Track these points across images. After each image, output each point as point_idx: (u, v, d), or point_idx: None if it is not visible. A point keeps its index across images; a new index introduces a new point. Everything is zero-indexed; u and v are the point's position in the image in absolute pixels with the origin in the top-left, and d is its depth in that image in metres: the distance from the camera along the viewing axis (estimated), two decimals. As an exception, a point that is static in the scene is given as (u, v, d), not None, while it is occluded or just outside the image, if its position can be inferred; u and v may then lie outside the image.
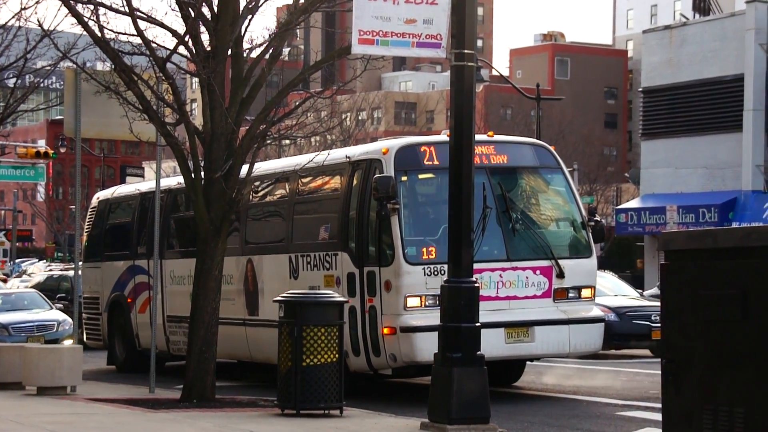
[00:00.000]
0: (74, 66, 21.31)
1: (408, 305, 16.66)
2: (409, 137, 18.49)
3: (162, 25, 18.10)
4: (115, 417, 16.77)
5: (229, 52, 17.84)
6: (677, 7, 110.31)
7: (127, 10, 17.55)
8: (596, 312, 18.31)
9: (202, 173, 18.02)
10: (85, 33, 18.32)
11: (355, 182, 18.24)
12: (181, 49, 18.29)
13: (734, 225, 39.75)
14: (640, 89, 52.24)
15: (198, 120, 18.72)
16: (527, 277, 17.37)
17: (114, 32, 18.24)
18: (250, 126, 18.50)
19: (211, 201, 17.88)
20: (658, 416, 12.40)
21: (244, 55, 18.33)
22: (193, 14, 17.50)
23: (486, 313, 15.44)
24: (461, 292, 14.83)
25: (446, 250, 15.21)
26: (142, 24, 17.85)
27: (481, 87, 36.99)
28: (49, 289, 35.17)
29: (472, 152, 15.76)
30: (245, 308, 20.85)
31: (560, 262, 17.75)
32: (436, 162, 17.46)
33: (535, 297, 17.50)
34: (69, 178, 64.59)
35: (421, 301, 16.68)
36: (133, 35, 18.10)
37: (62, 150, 59.97)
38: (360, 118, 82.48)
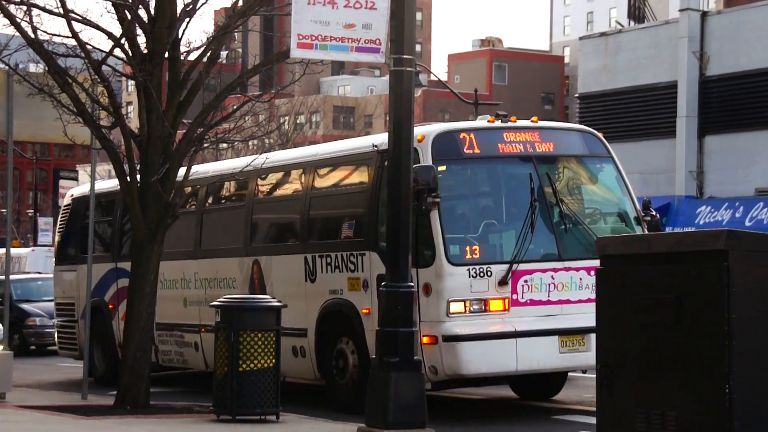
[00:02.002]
0: (5, 67, 21.33)
1: (451, 311, 15.10)
2: (445, 123, 16.95)
3: (97, 27, 18.05)
4: (45, 424, 16.75)
5: (166, 55, 17.84)
6: (613, 15, 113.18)
7: (61, 11, 17.54)
8: None
9: (138, 177, 17.97)
10: (17, 34, 18.24)
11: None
12: (117, 52, 18.29)
13: (668, 230, 40.59)
14: (577, 95, 53.31)
15: (134, 123, 18.56)
16: (581, 279, 15.84)
17: (48, 34, 18.27)
18: (187, 129, 18.50)
19: (147, 205, 17.85)
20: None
21: (182, 58, 18.38)
22: (129, 16, 17.47)
23: (537, 319, 15.12)
24: (399, 297, 14.87)
25: (490, 248, 15.10)
26: (77, 26, 17.85)
27: (420, 92, 37.44)
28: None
29: (411, 157, 15.69)
30: None
31: None
32: (476, 150, 16.02)
33: (589, 300, 15.01)
34: (0, 181, 63.43)
35: (466, 307, 15.12)
36: (67, 37, 18.09)
37: None
38: (298, 122, 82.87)
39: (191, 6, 17.88)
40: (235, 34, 20.89)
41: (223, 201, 22.02)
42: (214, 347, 16.72)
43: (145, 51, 17.61)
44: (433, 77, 72.80)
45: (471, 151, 15.79)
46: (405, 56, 15.26)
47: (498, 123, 16.24)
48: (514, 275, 14.92)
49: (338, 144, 19.14)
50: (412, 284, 15.27)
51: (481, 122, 16.90)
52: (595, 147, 17.06)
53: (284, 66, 19.61)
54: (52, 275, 31.68)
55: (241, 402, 15.97)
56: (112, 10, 17.80)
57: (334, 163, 18.34)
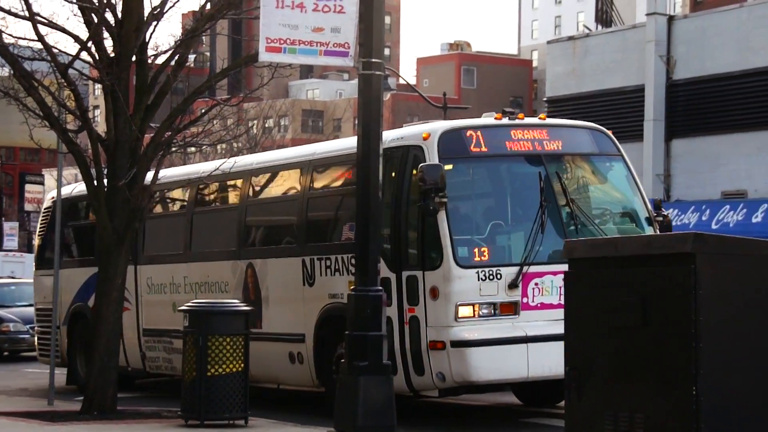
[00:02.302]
0: None
1: (459, 315, 14.54)
2: (452, 121, 16.47)
3: (64, 30, 18.01)
4: (10, 430, 16.78)
5: (134, 59, 17.76)
6: (580, 19, 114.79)
7: (27, 14, 17.47)
8: None
9: (105, 181, 17.91)
10: None
11: (390, 172, 15.91)
12: (84, 55, 18.12)
13: (635, 233, 40.72)
14: (545, 99, 53.61)
15: (101, 127, 18.54)
16: None
17: (13, 37, 18.35)
18: (155, 133, 18.42)
19: (114, 209, 17.74)
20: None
21: (149, 61, 18.26)
22: (96, 20, 17.42)
23: (549, 323, 14.54)
24: (368, 300, 14.86)
25: (499, 249, 14.74)
26: (43, 29, 17.79)
27: (389, 95, 37.64)
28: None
29: (380, 160, 15.57)
30: None
31: None
32: (483, 149, 15.42)
33: None
34: None
35: (474, 311, 14.56)
36: (33, 40, 18.04)
37: None
38: (267, 125, 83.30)
39: (159, 9, 17.83)
40: (203, 37, 20.94)
41: (214, 202, 21.39)
42: (183, 352, 16.69)
43: (113, 54, 17.61)
44: (402, 81, 73.13)
45: (478, 150, 15.31)
46: (374, 60, 15.33)
47: (505, 120, 15.88)
48: (524, 278, 14.60)
49: (338, 142, 18.69)
50: (380, 288, 15.09)
51: (488, 119, 16.32)
52: (604, 145, 16.58)
53: (253, 69, 20.07)
54: (27, 280, 32.20)
55: (209, 407, 15.89)
56: (79, 13, 17.73)
57: (334, 162, 17.79)
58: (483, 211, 15.33)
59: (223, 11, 19.12)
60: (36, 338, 24.23)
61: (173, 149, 21.20)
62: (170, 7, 18.19)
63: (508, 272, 14.44)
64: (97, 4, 17.53)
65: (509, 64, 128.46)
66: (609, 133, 16.52)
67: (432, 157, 14.79)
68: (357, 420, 14.59)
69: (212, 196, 21.00)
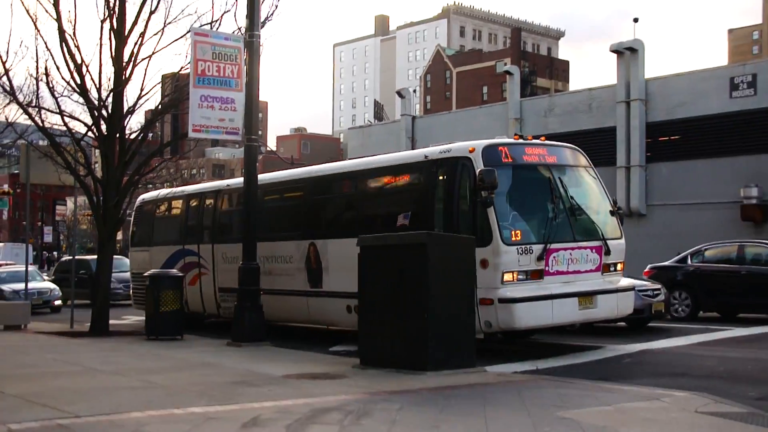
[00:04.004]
0: (26, 143, 21.96)
1: (504, 279, 13.35)
2: (486, 140, 14.97)
3: (78, 119, 19.13)
4: (49, 340, 17.84)
5: (117, 136, 18.44)
6: (368, 115, 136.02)
7: (57, 110, 18.51)
8: (628, 282, 15.36)
9: (102, 203, 18.49)
10: (32, 123, 18.95)
11: (440, 176, 14.69)
12: (89, 133, 18.74)
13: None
14: (348, 162, 56.10)
15: (99, 173, 19.41)
16: (587, 255, 14.42)
17: (50, 123, 18.97)
18: (129, 177, 19.19)
19: (106, 220, 18.53)
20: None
21: (127, 136, 18.90)
22: (96, 114, 18.31)
23: (561, 285, 13.96)
24: (250, 270, 16.45)
25: (526, 232, 13.79)
26: (66, 118, 18.77)
27: (261, 157, 38.52)
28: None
29: (256, 196, 16.99)
30: (307, 283, 17.19)
31: (606, 242, 14.85)
32: (509, 159, 14.29)
33: (590, 271, 14.43)
34: (21, 205, 69.79)
35: (514, 276, 13.46)
36: (60, 125, 19.00)
37: (18, 190, 63.17)
38: (192, 172, 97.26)
39: (132, 108, 18.71)
40: (157, 123, 21.21)
41: (282, 199, 19.34)
42: (146, 299, 17.62)
43: (106, 133, 18.33)
44: (268, 149, 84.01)
45: (507, 160, 14.21)
46: (252, 137, 16.80)
47: (520, 140, 15.05)
48: (547, 253, 13.73)
49: (394, 155, 17.19)
50: (257, 263, 16.59)
51: (510, 139, 15.30)
52: (581, 159, 15.74)
53: (186, 141, 19.64)
54: (121, 257, 31.78)
55: (160, 330, 17.23)
56: (87, 110, 18.50)
57: (385, 170, 16.41)
58: (515, 204, 14.07)
59: (168, 109, 20.23)
60: (131, 292, 23.35)
61: (140, 186, 21.14)
62: (139, 107, 19.02)
63: (537, 248, 13.63)
64: (97, 105, 18.29)
65: (328, 140, 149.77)
66: (582, 151, 15.90)
67: (478, 165, 13.83)
68: (244, 335, 16.08)
69: (279, 196, 19.34)
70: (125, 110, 18.56)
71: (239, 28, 17.75)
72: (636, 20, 44.53)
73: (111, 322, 19.61)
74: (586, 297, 14.16)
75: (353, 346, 14.13)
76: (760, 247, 21.63)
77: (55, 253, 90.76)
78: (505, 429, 7.81)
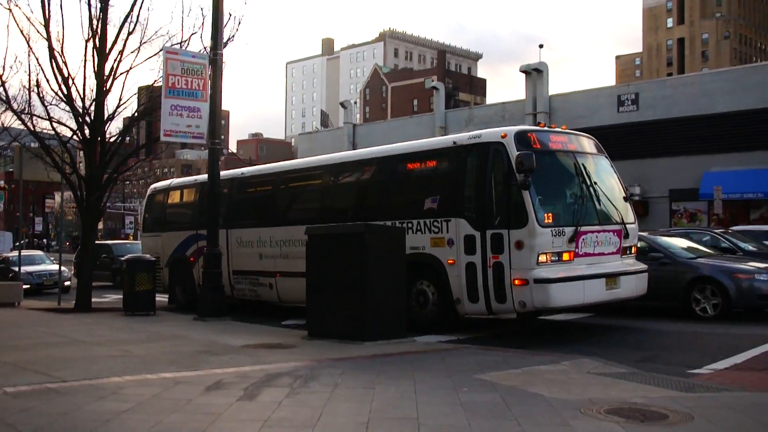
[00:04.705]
0: (19, 145, 21.60)
1: (539, 261, 11.77)
2: (516, 126, 13.54)
3: (65, 125, 18.73)
4: (39, 315, 17.70)
5: (99, 139, 18.22)
6: (315, 123, 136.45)
7: (47, 117, 18.24)
8: (642, 264, 13.89)
9: (85, 197, 18.29)
10: (25, 128, 18.81)
11: (470, 161, 12.99)
12: (74, 136, 18.52)
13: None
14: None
15: (82, 171, 19.14)
16: (610, 238, 12.87)
17: (40, 128, 18.93)
18: (109, 174, 18.83)
19: (89, 211, 18.35)
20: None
21: (107, 139, 18.65)
22: (80, 120, 18.08)
23: (589, 266, 12.44)
24: (213, 255, 16.35)
25: (557, 215, 12.18)
26: (54, 124, 18.41)
27: (223, 158, 37.84)
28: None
29: (219, 193, 17.03)
30: None
31: (626, 225, 13.37)
32: (537, 145, 12.62)
33: (612, 253, 12.90)
34: (15, 199, 68.70)
35: (547, 257, 11.87)
36: (49, 130, 18.74)
37: (12, 186, 62.72)
38: (164, 171, 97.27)
39: (112, 115, 18.48)
40: (133, 128, 20.62)
41: (300, 187, 17.15)
42: (122, 281, 17.35)
43: (89, 136, 18.13)
44: (230, 151, 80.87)
45: (536, 146, 12.55)
46: (215, 141, 16.71)
47: (546, 128, 13.57)
48: (577, 235, 12.19)
49: (420, 141, 15.06)
50: (218, 249, 16.43)
51: (536, 127, 13.82)
52: (598, 148, 14.14)
53: (158, 144, 19.28)
54: (137, 242, 29.77)
55: (135, 306, 17.00)
56: (73, 117, 18.23)
57: (411, 156, 14.41)
58: (544, 188, 12.35)
59: (143, 117, 20.06)
60: None
61: (118, 182, 21.05)
62: (118, 114, 18.83)
63: (569, 230, 12.08)
64: (81, 113, 18.11)
65: (281, 144, 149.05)
66: (596, 140, 14.26)
67: (512, 150, 12.31)
68: (207, 311, 15.97)
69: (296, 183, 17.24)
70: (106, 117, 18.37)
71: (205, 48, 17.61)
72: (541, 46, 46.29)
73: (93, 299, 19.16)
74: (612, 278, 12.79)
75: (303, 320, 13.85)
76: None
77: (44, 240, 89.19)
78: (430, 390, 7.87)
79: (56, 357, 10.42)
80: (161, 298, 19.64)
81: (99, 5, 17.88)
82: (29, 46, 17.81)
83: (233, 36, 18.52)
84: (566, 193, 12.93)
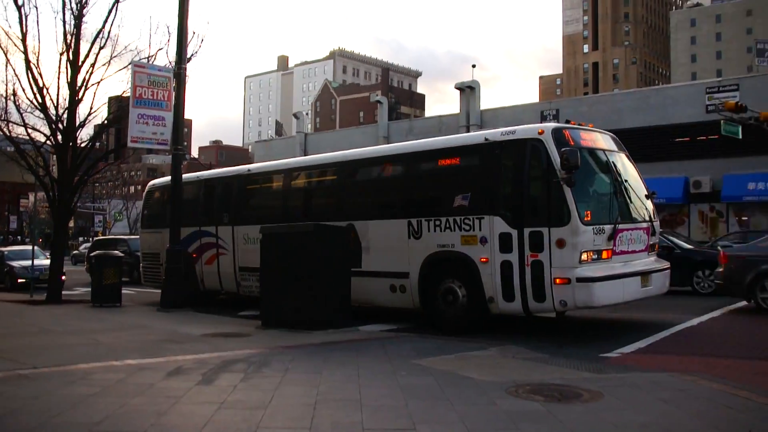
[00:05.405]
0: None
1: (581, 259, 10.48)
2: (551, 123, 12.21)
3: (39, 131, 18.37)
4: (13, 307, 17.11)
5: (71, 144, 17.95)
6: (270, 132, 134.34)
7: (22, 124, 17.91)
8: (666, 262, 12.59)
9: (57, 198, 17.97)
10: (1, 133, 18.36)
11: (504, 157, 11.52)
12: (48, 141, 18.08)
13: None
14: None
15: (55, 174, 18.75)
16: (641, 235, 11.61)
17: (16, 133, 18.47)
18: (80, 177, 18.63)
19: (61, 211, 17.97)
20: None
21: (78, 145, 18.34)
22: (54, 127, 17.78)
23: (624, 264, 11.20)
24: (175, 252, 16.10)
25: (595, 213, 10.87)
26: (29, 130, 18.11)
27: (186, 162, 36.77)
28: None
29: (182, 194, 16.66)
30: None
31: (653, 223, 12.22)
32: (572, 142, 11.17)
33: (642, 251, 11.65)
34: None
35: (588, 256, 10.58)
36: (24, 135, 18.37)
37: None
38: (131, 174, 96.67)
39: (83, 122, 18.15)
40: (103, 135, 20.35)
41: (327, 182, 15.16)
42: (91, 274, 17.06)
43: (61, 142, 17.89)
44: (192, 156, 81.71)
45: (571, 143, 11.12)
46: (178, 147, 16.53)
47: (576, 126, 11.91)
48: (615, 233, 10.93)
49: (450, 138, 13.69)
50: (180, 247, 16.00)
51: (567, 125, 11.87)
52: (620, 146, 12.75)
53: (126, 150, 18.93)
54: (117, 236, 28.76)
55: (104, 298, 16.65)
56: (46, 123, 17.95)
57: (439, 153, 12.79)
58: (583, 184, 11.05)
59: (112, 124, 19.66)
60: (141, 269, 19.82)
61: (88, 184, 21.10)
62: (89, 122, 18.49)
63: (608, 228, 10.83)
64: (54, 120, 17.85)
65: (239, 150, 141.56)
66: (616, 137, 12.87)
67: (551, 147, 10.94)
68: (169, 303, 15.74)
69: (318, 179, 15.41)
70: (77, 124, 18.11)
71: (170, 62, 17.45)
72: (474, 66, 46.94)
73: (63, 292, 18.68)
74: (645, 276, 11.54)
75: (256, 311, 13.75)
76: None
77: (19, 237, 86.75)
78: (372, 374, 7.86)
79: (28, 345, 10.16)
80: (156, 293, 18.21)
81: (73, 22, 17.70)
82: (7, 58, 17.62)
83: (196, 52, 18.44)
84: (601, 190, 11.72)
